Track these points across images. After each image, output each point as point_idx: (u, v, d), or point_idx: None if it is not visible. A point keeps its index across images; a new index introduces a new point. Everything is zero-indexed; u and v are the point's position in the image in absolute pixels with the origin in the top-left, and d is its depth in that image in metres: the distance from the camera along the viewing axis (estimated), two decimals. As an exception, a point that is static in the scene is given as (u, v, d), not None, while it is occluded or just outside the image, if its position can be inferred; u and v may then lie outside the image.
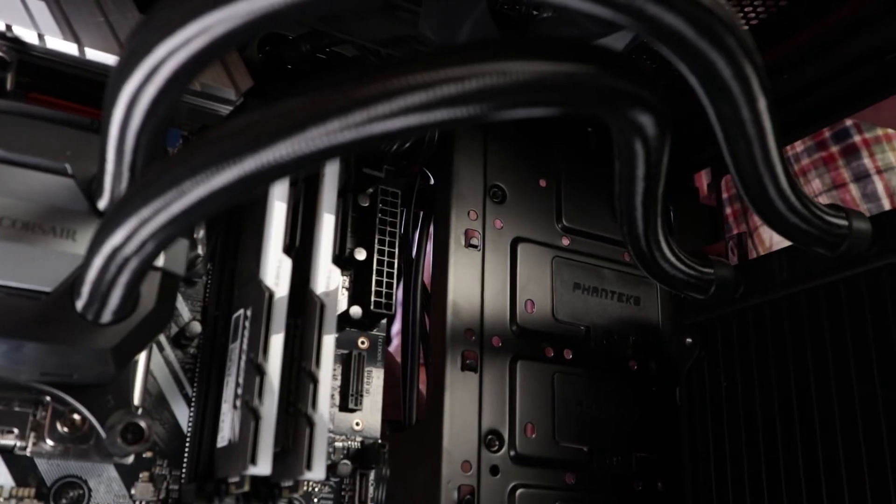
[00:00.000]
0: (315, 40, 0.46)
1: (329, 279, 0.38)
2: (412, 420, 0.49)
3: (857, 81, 0.42)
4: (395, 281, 0.45)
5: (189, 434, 0.40)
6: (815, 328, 0.45)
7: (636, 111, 0.25)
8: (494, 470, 0.46)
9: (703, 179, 0.67)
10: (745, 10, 0.41)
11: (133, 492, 0.38)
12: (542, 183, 0.54)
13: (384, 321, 0.45)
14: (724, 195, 0.69)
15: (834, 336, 0.44)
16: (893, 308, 0.41)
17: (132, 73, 0.22)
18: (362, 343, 0.45)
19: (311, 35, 0.46)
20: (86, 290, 0.28)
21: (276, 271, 0.37)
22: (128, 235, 0.23)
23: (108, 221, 0.23)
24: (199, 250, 0.40)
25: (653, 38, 0.23)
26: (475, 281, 0.49)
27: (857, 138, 0.74)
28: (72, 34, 0.36)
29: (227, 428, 0.37)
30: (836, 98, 0.43)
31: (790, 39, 0.41)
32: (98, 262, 0.25)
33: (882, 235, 0.41)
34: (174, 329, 0.41)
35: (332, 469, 0.41)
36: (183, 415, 0.40)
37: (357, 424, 0.44)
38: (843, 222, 0.38)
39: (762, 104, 0.27)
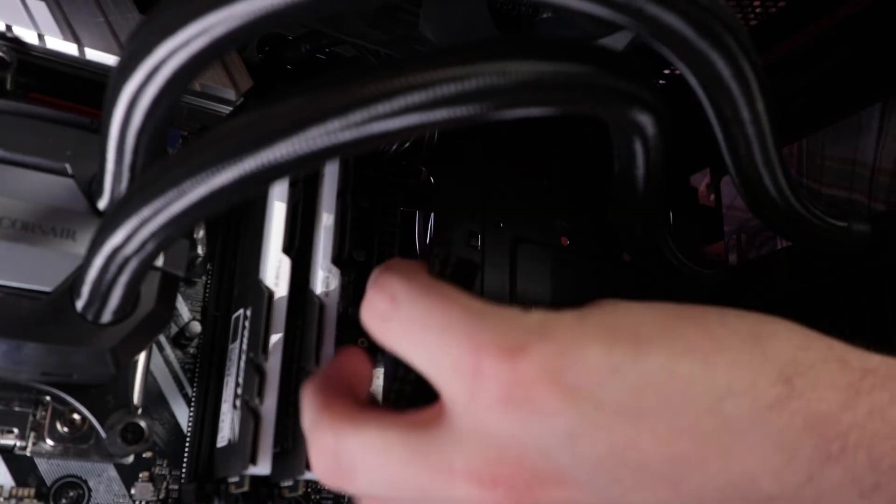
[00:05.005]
0: (314, 41, 0.46)
1: (329, 279, 0.38)
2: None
3: (857, 81, 0.42)
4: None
5: (189, 434, 0.40)
6: (812, 329, 0.45)
7: (635, 111, 0.25)
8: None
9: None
10: (745, 10, 0.41)
11: (133, 492, 0.38)
12: (543, 183, 0.54)
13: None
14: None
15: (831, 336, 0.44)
16: (892, 309, 0.41)
17: (133, 73, 0.22)
18: (362, 343, 0.45)
19: (311, 36, 0.46)
20: (86, 289, 0.28)
21: (275, 271, 0.37)
22: (128, 235, 0.23)
23: (109, 221, 0.24)
24: (199, 250, 0.40)
25: (652, 38, 0.23)
26: (475, 281, 0.49)
27: None
28: (72, 34, 0.36)
29: (227, 428, 0.37)
30: (837, 98, 0.44)
31: (790, 39, 0.41)
32: (98, 261, 0.25)
33: (881, 236, 0.41)
34: (174, 329, 0.41)
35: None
36: (183, 415, 0.40)
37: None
38: (843, 223, 0.38)
39: (762, 104, 0.27)
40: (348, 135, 0.20)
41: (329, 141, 0.20)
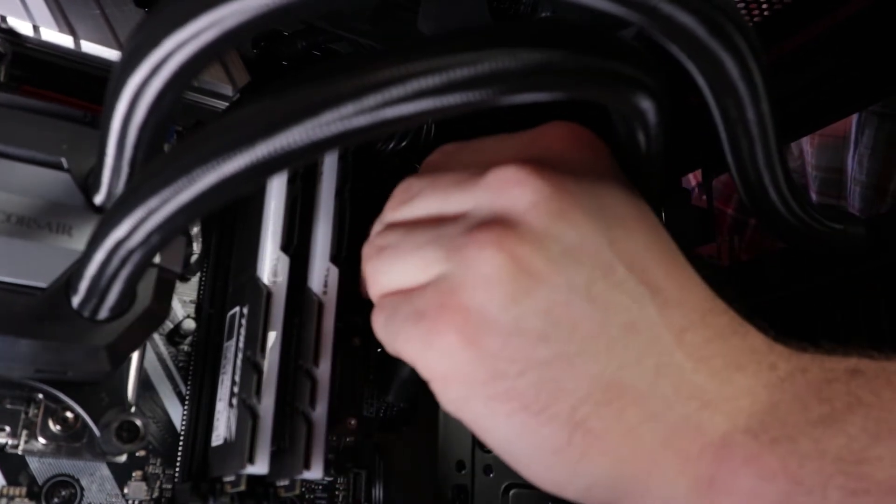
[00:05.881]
0: (311, 37, 0.46)
1: (327, 278, 0.38)
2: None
3: (859, 80, 0.42)
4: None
5: (183, 432, 0.40)
6: (808, 330, 0.46)
7: (639, 96, 0.25)
8: (488, 469, 0.46)
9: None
10: (750, 6, 0.41)
11: (126, 491, 0.38)
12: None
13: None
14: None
15: (826, 338, 0.44)
16: (887, 310, 0.42)
17: (138, 66, 0.22)
18: (356, 342, 0.44)
19: (307, 32, 0.45)
20: (84, 285, 0.27)
21: (273, 269, 0.37)
22: (133, 226, 0.22)
23: (113, 213, 0.23)
24: (195, 247, 0.39)
25: (664, 36, 0.23)
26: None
27: None
28: (67, 26, 0.36)
29: (223, 426, 0.36)
30: (837, 96, 0.44)
31: (792, 37, 0.41)
32: (100, 255, 0.25)
33: (876, 238, 0.41)
34: (168, 326, 0.41)
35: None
36: (176, 413, 0.40)
37: (352, 423, 0.43)
38: (839, 225, 0.38)
39: (766, 105, 0.27)
40: (362, 120, 0.20)
41: (343, 126, 0.20)
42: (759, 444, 0.22)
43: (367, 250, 0.28)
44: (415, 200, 0.28)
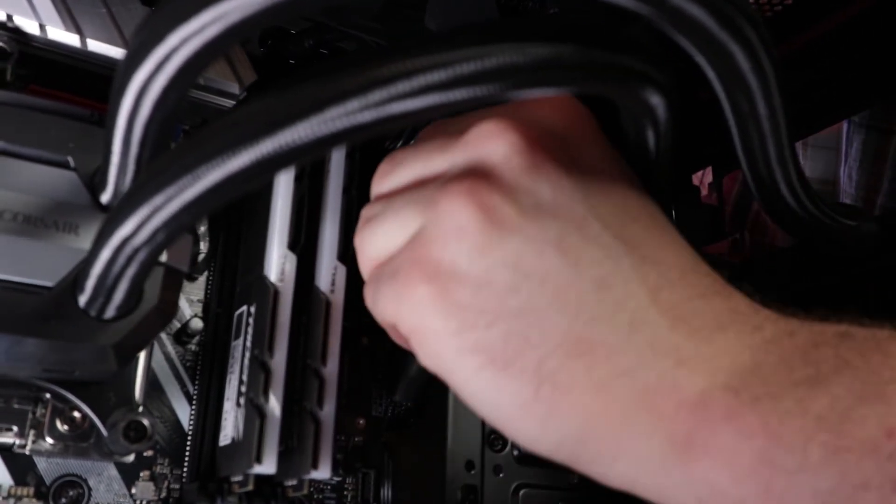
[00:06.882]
0: (318, 35, 0.45)
1: (335, 276, 0.38)
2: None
3: (867, 78, 0.42)
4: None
5: (191, 432, 0.39)
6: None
7: (648, 91, 0.25)
8: (498, 469, 0.46)
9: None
10: (761, 2, 0.41)
11: (133, 491, 0.38)
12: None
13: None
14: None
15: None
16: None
17: (143, 62, 0.22)
18: (365, 342, 0.44)
19: (314, 30, 0.45)
20: (90, 284, 0.27)
21: (281, 268, 0.37)
22: (139, 224, 0.22)
23: (118, 212, 0.23)
24: (202, 246, 0.39)
25: (673, 29, 0.22)
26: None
27: None
28: (73, 25, 0.36)
29: (230, 426, 0.36)
30: (845, 95, 0.43)
31: (803, 34, 0.41)
32: (105, 254, 0.24)
33: (889, 235, 0.40)
34: (175, 325, 0.41)
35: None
36: (184, 413, 0.40)
37: (361, 422, 0.43)
38: (852, 221, 0.38)
39: (778, 100, 0.26)
40: (367, 116, 0.20)
41: (348, 122, 0.20)
42: (740, 401, 0.21)
43: (358, 227, 0.28)
44: (398, 169, 0.28)
